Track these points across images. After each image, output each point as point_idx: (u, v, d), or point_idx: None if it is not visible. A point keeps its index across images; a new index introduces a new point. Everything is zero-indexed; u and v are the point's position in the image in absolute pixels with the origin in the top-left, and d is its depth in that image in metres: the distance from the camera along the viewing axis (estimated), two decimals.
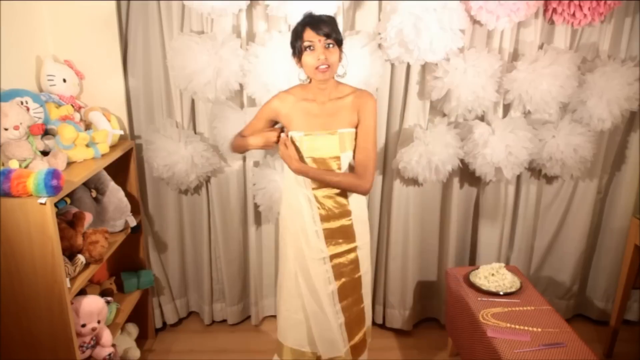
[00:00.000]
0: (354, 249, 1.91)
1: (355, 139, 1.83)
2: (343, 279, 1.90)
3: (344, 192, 1.85)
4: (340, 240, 1.87)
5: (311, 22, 1.69)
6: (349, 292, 1.92)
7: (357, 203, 1.89)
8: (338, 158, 1.81)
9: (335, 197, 1.84)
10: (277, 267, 2.00)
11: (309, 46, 1.69)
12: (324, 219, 1.84)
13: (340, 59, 1.76)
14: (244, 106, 2.46)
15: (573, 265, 2.83)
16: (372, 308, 2.84)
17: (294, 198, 1.86)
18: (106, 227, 2.18)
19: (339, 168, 1.82)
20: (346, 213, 1.86)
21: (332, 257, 1.87)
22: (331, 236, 1.86)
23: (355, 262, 1.92)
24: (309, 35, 1.68)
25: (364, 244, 1.94)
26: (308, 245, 1.85)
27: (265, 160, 2.52)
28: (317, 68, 1.69)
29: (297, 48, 1.72)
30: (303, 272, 1.88)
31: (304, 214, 1.83)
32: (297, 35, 1.72)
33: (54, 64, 2.20)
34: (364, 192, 1.82)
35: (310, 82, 1.82)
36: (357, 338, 1.98)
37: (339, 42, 1.72)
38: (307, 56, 1.71)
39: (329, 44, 1.69)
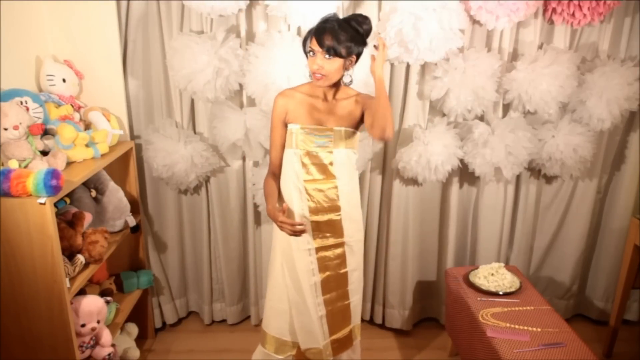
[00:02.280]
0: (341, 244, 1.94)
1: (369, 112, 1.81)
2: (327, 273, 1.94)
3: (335, 188, 1.88)
4: (328, 234, 1.91)
5: (317, 31, 1.74)
6: (332, 286, 1.96)
7: (347, 200, 1.92)
8: (331, 152, 1.86)
9: (326, 192, 1.88)
10: (272, 233, 2.04)
11: (311, 51, 1.76)
12: (313, 211, 1.87)
13: (346, 67, 1.80)
14: (243, 106, 2.46)
15: (573, 265, 2.84)
16: (371, 308, 2.88)
17: (286, 188, 1.90)
18: (106, 227, 2.18)
19: (332, 163, 1.87)
20: (335, 208, 1.90)
21: (318, 249, 1.91)
22: (318, 229, 1.89)
23: (341, 258, 1.95)
24: (313, 43, 1.75)
25: (353, 241, 1.97)
26: (295, 236, 1.87)
27: (265, 160, 2.52)
28: (313, 74, 1.78)
29: (303, 50, 1.81)
30: (288, 262, 1.92)
31: (294, 205, 1.87)
32: (305, 38, 1.79)
33: (54, 64, 2.20)
34: (391, 134, 1.71)
35: None
36: (340, 334, 2.01)
37: (341, 55, 1.74)
38: (309, 60, 1.79)
39: (328, 55, 1.73)
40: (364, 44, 1.78)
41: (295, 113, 1.87)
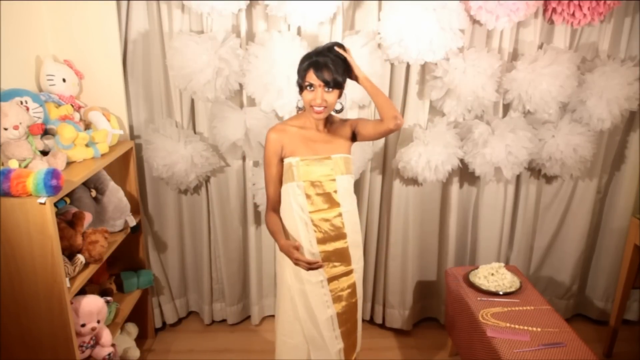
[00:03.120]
0: (349, 272, 1.92)
1: (363, 127, 1.87)
2: (342, 303, 1.91)
3: (340, 216, 1.86)
4: (337, 264, 1.89)
5: (316, 64, 1.72)
6: (348, 317, 1.93)
7: (352, 227, 1.90)
8: (334, 180, 1.84)
9: (332, 220, 1.85)
10: (276, 267, 2.02)
11: (310, 85, 1.74)
12: (321, 241, 1.85)
13: (340, 96, 1.80)
14: (243, 106, 2.46)
15: (573, 265, 2.84)
16: (371, 308, 2.88)
17: (290, 222, 1.87)
18: (106, 226, 2.18)
19: (335, 191, 1.85)
20: (342, 235, 1.88)
21: (330, 280, 1.88)
22: (327, 259, 1.87)
23: (352, 287, 1.93)
24: (311, 77, 1.73)
25: (358, 267, 1.96)
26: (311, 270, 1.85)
27: None
28: (313, 107, 1.76)
29: (298, 83, 1.79)
30: (301, 296, 1.89)
31: (301, 237, 1.84)
32: (300, 72, 1.77)
33: (54, 64, 2.20)
34: (400, 123, 1.77)
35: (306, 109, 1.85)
36: None
37: (342, 86, 1.75)
38: (307, 94, 1.77)
39: (328, 88, 1.73)
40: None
41: (291, 146, 1.84)
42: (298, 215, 1.84)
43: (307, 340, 1.91)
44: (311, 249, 1.85)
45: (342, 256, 1.89)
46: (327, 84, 1.71)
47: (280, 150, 1.85)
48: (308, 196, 1.83)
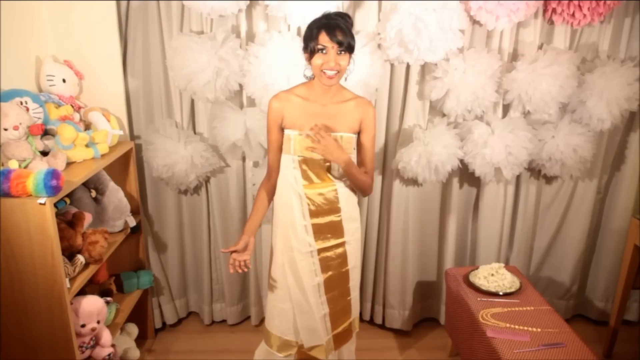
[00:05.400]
0: (342, 244, 1.94)
1: (360, 146, 1.91)
2: (330, 272, 1.94)
3: (335, 192, 1.88)
4: (329, 235, 1.91)
5: (328, 26, 1.69)
6: (335, 285, 1.96)
7: (347, 201, 1.92)
8: (327, 160, 1.83)
9: (326, 194, 1.87)
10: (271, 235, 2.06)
11: (322, 49, 1.71)
12: (313, 214, 1.87)
13: (348, 63, 1.78)
14: (243, 106, 2.46)
15: (573, 266, 2.84)
16: (371, 308, 2.88)
17: (286, 193, 1.89)
18: (106, 227, 2.18)
19: (329, 170, 1.86)
20: (335, 210, 1.89)
21: (320, 250, 1.91)
22: (320, 231, 1.89)
23: (343, 257, 1.95)
24: (324, 39, 1.69)
25: (353, 239, 1.97)
26: (296, 239, 1.88)
27: (264, 160, 2.52)
28: (324, 72, 1.72)
29: (310, 47, 1.74)
30: (290, 264, 1.92)
31: (294, 209, 1.87)
32: (311, 35, 1.73)
33: (54, 64, 2.20)
34: (370, 192, 1.95)
35: (313, 79, 1.83)
36: (341, 328, 2.02)
37: (353, 49, 1.73)
38: (317, 58, 1.72)
39: (341, 50, 1.70)
40: None
41: (292, 118, 1.83)
42: (292, 187, 1.86)
43: (293, 304, 1.94)
44: (303, 221, 1.87)
45: (334, 229, 1.91)
46: (340, 44, 1.68)
47: (281, 120, 1.85)
48: (303, 170, 1.85)
